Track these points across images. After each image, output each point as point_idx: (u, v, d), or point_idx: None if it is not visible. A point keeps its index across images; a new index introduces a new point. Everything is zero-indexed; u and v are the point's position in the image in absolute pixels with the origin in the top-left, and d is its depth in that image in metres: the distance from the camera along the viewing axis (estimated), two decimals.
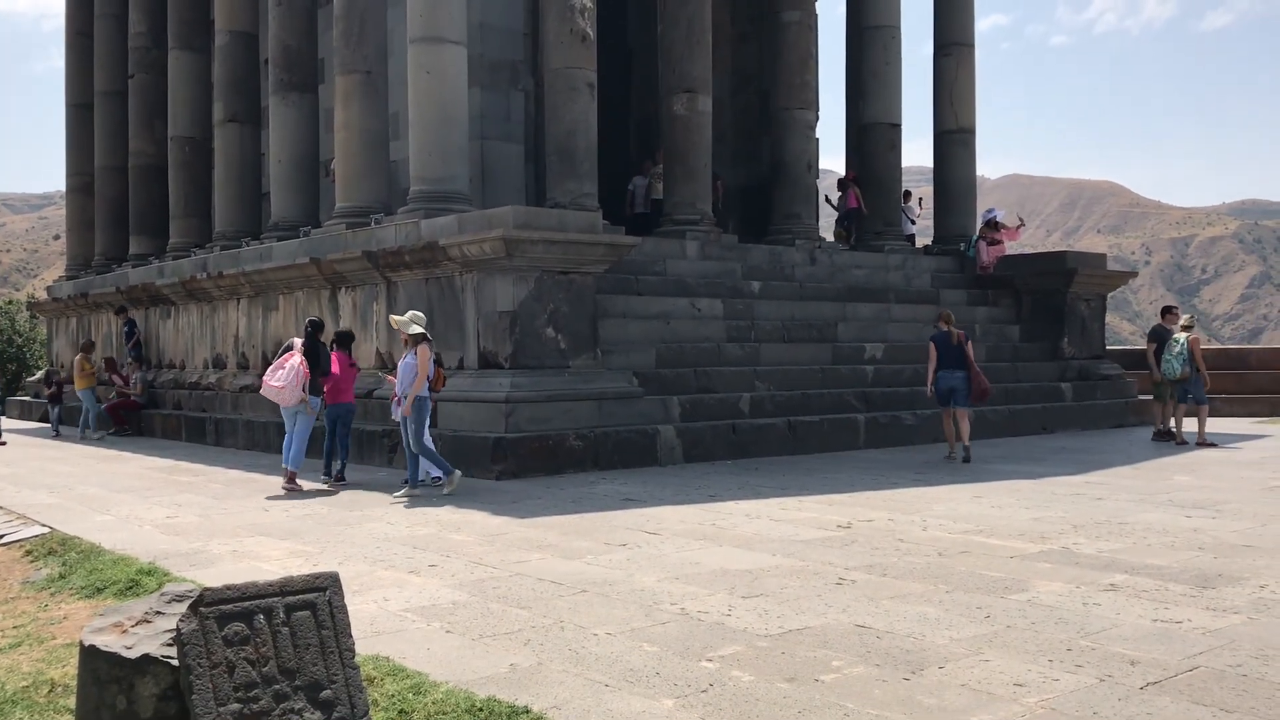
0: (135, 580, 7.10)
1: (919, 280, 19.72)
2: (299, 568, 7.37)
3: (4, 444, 17.69)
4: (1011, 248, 21.17)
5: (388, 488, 11.40)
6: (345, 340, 12.41)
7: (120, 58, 24.45)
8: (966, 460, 13.12)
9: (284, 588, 3.63)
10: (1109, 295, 20.86)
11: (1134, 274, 25.18)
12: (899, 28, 20.45)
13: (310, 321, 12.13)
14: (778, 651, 5.17)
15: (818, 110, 19.90)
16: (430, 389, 11.15)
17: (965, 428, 13.47)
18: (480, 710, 4.36)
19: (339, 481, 11.78)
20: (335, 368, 11.87)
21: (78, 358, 20.18)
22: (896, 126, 20.49)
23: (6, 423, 22.79)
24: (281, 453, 11.92)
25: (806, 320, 16.86)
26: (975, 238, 20.82)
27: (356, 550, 7.98)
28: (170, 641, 3.66)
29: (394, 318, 11.53)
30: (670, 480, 11.67)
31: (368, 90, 15.68)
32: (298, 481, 11.49)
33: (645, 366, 14.26)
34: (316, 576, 3.70)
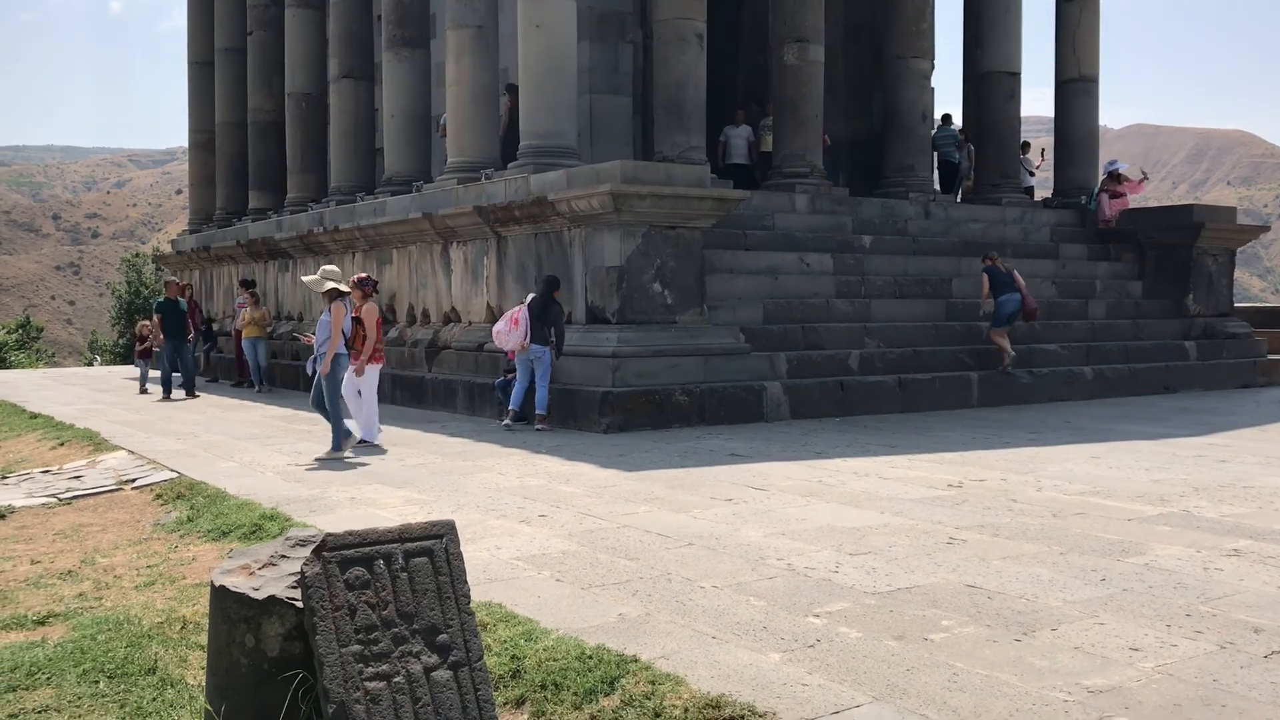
0: (259, 525, 7.38)
1: (1037, 234, 19.17)
2: (414, 515, 7.56)
3: (196, 396, 17.69)
4: (1135, 201, 20.42)
5: (500, 439, 11.61)
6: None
7: (240, 15, 25.01)
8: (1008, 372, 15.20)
9: (403, 534, 3.73)
10: (1238, 250, 20.00)
11: (1266, 228, 24.08)
12: None
13: (547, 277, 12.91)
14: (885, 609, 5.15)
15: (933, 59, 19.37)
16: (347, 345, 10.82)
17: (1008, 344, 15.28)
18: (590, 658, 4.44)
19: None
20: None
21: (247, 310, 18.74)
22: (1015, 75, 19.86)
23: (133, 370, 23.79)
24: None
25: (920, 275, 16.54)
26: (1097, 190, 20.11)
27: (469, 499, 8.16)
28: (295, 584, 3.80)
29: (305, 278, 11.28)
30: (777, 436, 11.63)
31: (479, 45, 15.77)
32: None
33: (752, 322, 14.19)
34: (434, 524, 3.80)
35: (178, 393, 17.89)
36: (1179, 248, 18.71)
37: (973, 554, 6.23)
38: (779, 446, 10.84)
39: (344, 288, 10.89)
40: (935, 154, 20.78)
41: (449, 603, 3.70)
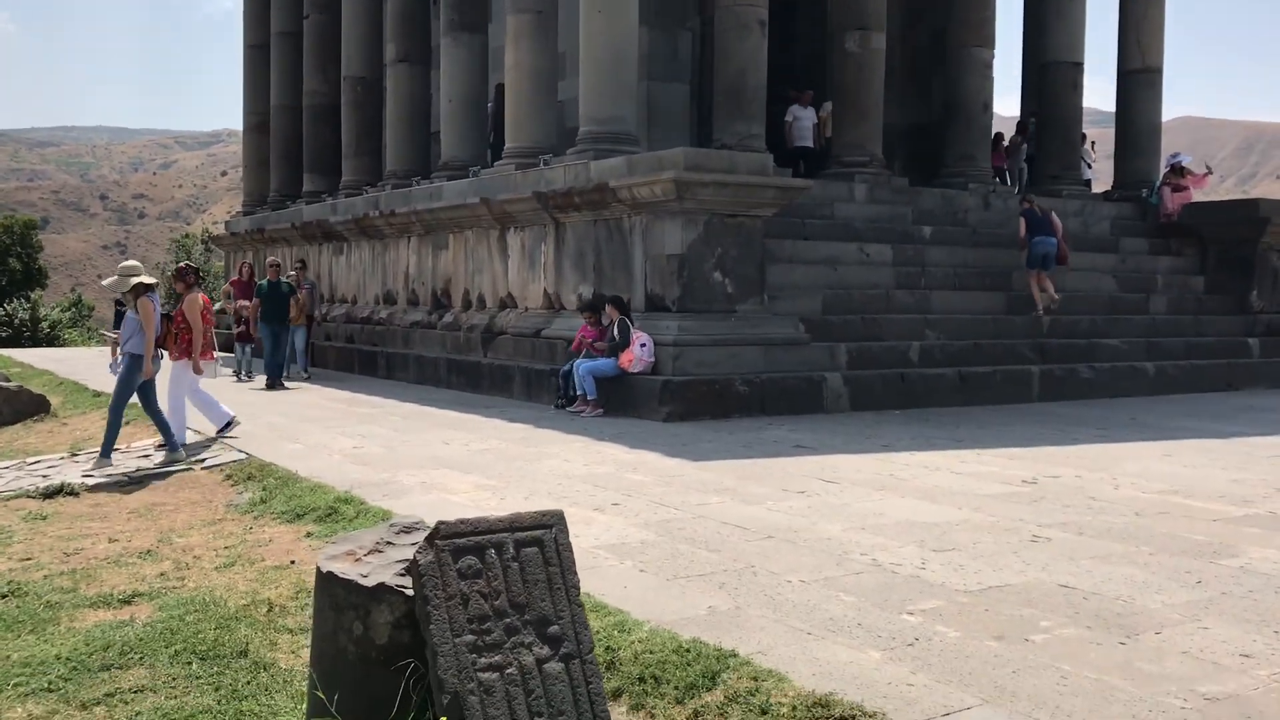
0: (333, 508, 7.39)
1: (1098, 227, 18.88)
2: (486, 500, 7.55)
3: (283, 388, 16.03)
4: (1197, 195, 20.04)
5: (560, 424, 11.58)
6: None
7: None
8: (1050, 312, 15.72)
9: (514, 524, 3.69)
10: None
11: None
12: None
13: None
14: (980, 608, 5.06)
15: (993, 48, 19.09)
16: (159, 344, 10.21)
17: (1050, 286, 15.76)
18: (687, 651, 4.38)
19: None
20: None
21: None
22: (1079, 65, 19.54)
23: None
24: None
25: (980, 267, 16.34)
26: (1159, 184, 19.78)
27: (539, 486, 8.13)
28: (402, 571, 3.77)
29: (104, 281, 10.73)
30: (839, 429, 11.52)
31: (538, 29, 15.70)
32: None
33: (812, 312, 14.06)
34: (544, 514, 3.75)
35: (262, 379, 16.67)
36: (1243, 243, 18.37)
37: (1060, 552, 6.12)
38: (843, 439, 10.73)
39: (149, 280, 10.21)
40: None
41: (559, 594, 3.66)
